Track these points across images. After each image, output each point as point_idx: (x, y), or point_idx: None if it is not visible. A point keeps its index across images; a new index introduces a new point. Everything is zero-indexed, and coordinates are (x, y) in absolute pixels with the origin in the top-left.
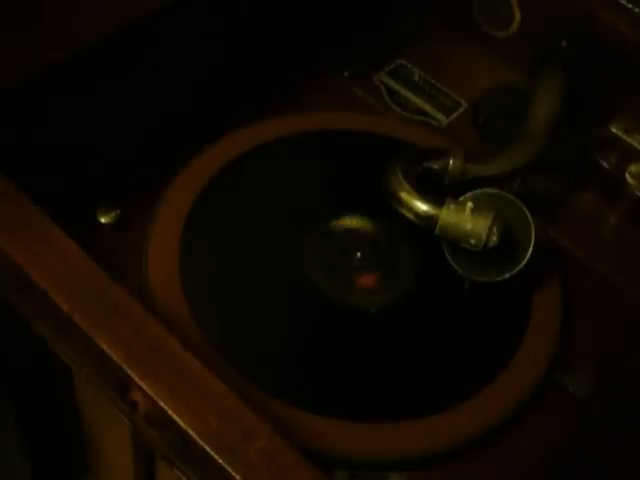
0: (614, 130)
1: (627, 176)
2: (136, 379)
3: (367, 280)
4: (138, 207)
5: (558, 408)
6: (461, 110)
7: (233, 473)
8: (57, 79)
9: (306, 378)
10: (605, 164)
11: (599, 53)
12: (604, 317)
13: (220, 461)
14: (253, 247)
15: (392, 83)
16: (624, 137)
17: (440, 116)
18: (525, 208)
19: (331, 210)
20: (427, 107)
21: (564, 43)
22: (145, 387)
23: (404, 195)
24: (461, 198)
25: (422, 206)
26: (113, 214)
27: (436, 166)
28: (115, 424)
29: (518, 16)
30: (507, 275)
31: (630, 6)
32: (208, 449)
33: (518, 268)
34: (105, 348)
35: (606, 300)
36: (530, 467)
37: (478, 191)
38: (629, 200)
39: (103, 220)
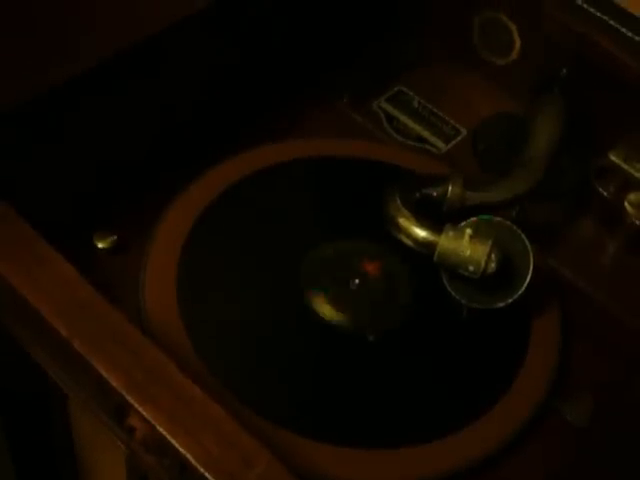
0: (613, 159)
1: (626, 205)
2: (135, 404)
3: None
4: (135, 232)
5: (556, 436)
6: (460, 138)
7: None
8: (55, 101)
9: (303, 404)
10: (604, 193)
11: (598, 81)
12: (603, 346)
13: None
14: (251, 272)
15: (391, 109)
16: (623, 166)
17: (439, 143)
18: (523, 235)
19: (330, 236)
20: (426, 134)
21: (564, 71)
22: (144, 412)
23: (403, 221)
24: (460, 225)
25: (421, 232)
26: (110, 239)
27: (435, 193)
28: (110, 449)
29: (518, 43)
30: (505, 303)
31: (630, 34)
32: (207, 475)
33: (516, 296)
34: (104, 373)
35: (605, 329)
36: None
37: (477, 218)
38: (628, 229)
39: (100, 245)
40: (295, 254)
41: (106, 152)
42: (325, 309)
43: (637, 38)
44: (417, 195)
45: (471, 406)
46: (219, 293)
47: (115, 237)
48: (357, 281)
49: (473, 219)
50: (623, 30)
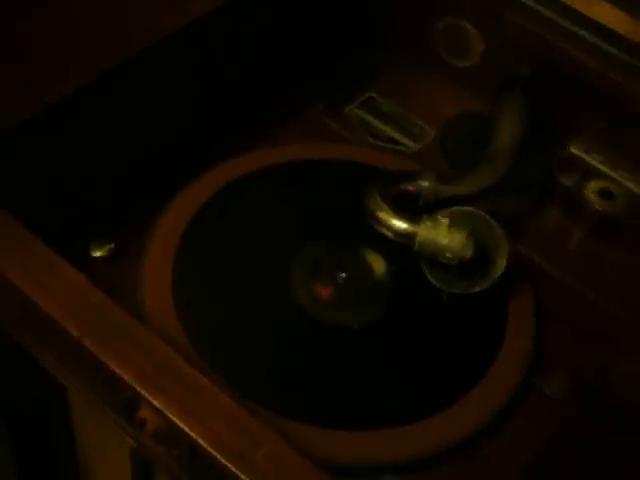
0: (574, 151)
1: (588, 193)
2: (147, 396)
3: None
4: (131, 240)
5: (536, 410)
6: (429, 137)
7: (241, 476)
8: (52, 116)
9: (293, 391)
10: (567, 183)
11: (557, 78)
12: (573, 324)
13: (230, 466)
14: (243, 272)
15: (363, 114)
16: (583, 157)
17: (410, 144)
18: (496, 223)
19: (315, 234)
20: (397, 135)
21: (524, 70)
22: (156, 403)
23: (382, 215)
24: (437, 215)
25: (400, 224)
26: (106, 248)
27: (410, 188)
28: (113, 446)
29: (479, 47)
30: (482, 287)
31: (587, 36)
32: (218, 456)
33: (492, 280)
34: (116, 369)
35: (574, 309)
36: (515, 465)
37: (453, 208)
38: (591, 215)
39: (97, 254)
40: (282, 253)
41: (98, 165)
42: (312, 303)
43: (592, 39)
44: (394, 191)
45: (454, 387)
46: (214, 293)
47: (112, 245)
48: (342, 275)
49: (449, 210)
50: (579, 32)
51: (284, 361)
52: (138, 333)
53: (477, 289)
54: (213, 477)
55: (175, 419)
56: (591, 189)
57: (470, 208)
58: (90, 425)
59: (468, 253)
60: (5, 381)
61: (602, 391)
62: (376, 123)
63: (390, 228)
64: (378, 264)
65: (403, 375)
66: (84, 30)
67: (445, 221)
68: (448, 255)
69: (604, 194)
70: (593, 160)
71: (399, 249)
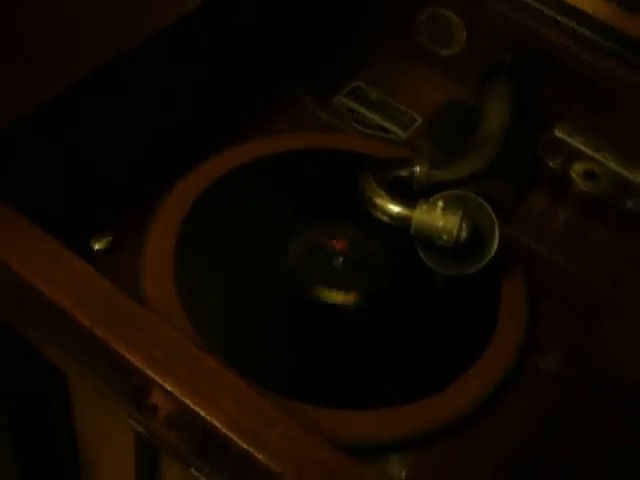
0: (558, 134)
1: (573, 175)
2: (159, 381)
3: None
4: (130, 232)
5: (532, 385)
6: (417, 125)
7: (257, 455)
8: (52, 111)
9: (294, 372)
10: (552, 165)
11: (540, 64)
12: (561, 301)
13: (245, 446)
14: (242, 259)
15: (351, 103)
16: (568, 139)
17: (398, 131)
18: (488, 205)
19: (310, 220)
20: (385, 123)
21: (509, 57)
22: (168, 387)
23: (379, 200)
24: (432, 199)
25: (396, 208)
26: (106, 240)
27: (404, 173)
28: (116, 440)
29: (462, 35)
30: (476, 268)
31: (567, 22)
32: (232, 437)
33: (485, 261)
34: (127, 355)
35: (562, 286)
36: (511, 441)
37: (446, 192)
38: (576, 196)
39: (97, 247)
40: (280, 239)
41: (96, 158)
42: (312, 286)
43: (572, 24)
44: (389, 177)
45: (451, 367)
46: (214, 280)
47: (111, 238)
48: (340, 259)
49: (443, 193)
50: (560, 18)
51: (284, 343)
52: (146, 320)
53: (472, 270)
54: (226, 459)
55: (188, 402)
56: (575, 171)
57: (462, 191)
58: (92, 414)
59: (463, 234)
60: (5, 373)
61: (593, 368)
62: (364, 112)
63: (387, 213)
64: (374, 248)
65: (401, 356)
66: (77, 28)
67: (440, 204)
68: (444, 237)
69: (588, 175)
70: (577, 142)
71: (394, 234)
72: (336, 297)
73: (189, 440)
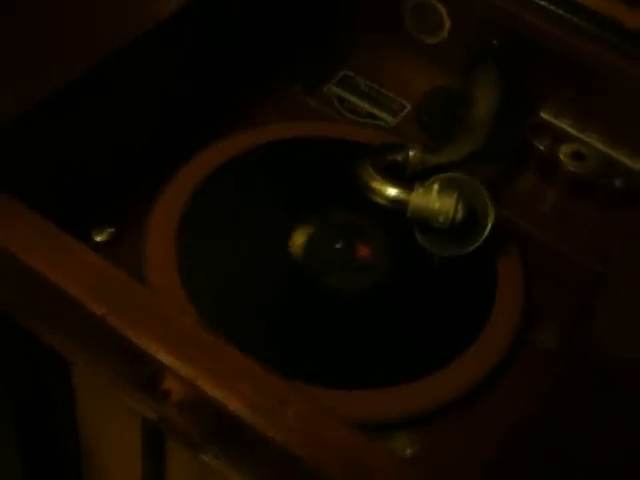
0: (544, 116)
1: (560, 156)
2: (173, 366)
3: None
4: (130, 223)
5: (530, 363)
6: (406, 111)
7: (273, 435)
8: (53, 105)
9: (296, 354)
10: (540, 147)
11: (526, 49)
12: (553, 279)
13: (260, 425)
14: (243, 246)
15: (341, 92)
16: (554, 121)
17: (388, 118)
18: (482, 186)
19: (309, 206)
20: (375, 111)
21: (496, 43)
22: (182, 371)
23: (376, 184)
24: (427, 182)
25: (393, 192)
26: (107, 232)
27: (399, 158)
28: (120, 430)
29: (447, 23)
30: (472, 247)
31: (550, 7)
32: (247, 417)
33: (481, 240)
34: (141, 343)
35: (553, 265)
36: (511, 417)
37: (442, 175)
38: (564, 176)
39: (98, 239)
40: (279, 226)
41: (94, 153)
42: (313, 270)
43: (553, 9)
44: (384, 162)
45: (451, 347)
46: (217, 268)
47: (112, 229)
48: (340, 244)
49: (438, 176)
50: (543, 3)
51: (287, 328)
52: (159, 307)
53: (468, 250)
54: (239, 442)
55: (203, 385)
56: (563, 152)
57: (456, 173)
58: (94, 404)
59: (458, 216)
60: (8, 364)
61: (587, 347)
62: (354, 100)
63: (384, 196)
64: (371, 233)
65: (401, 337)
66: (67, 27)
67: (435, 187)
68: (440, 219)
69: (576, 156)
70: (563, 124)
71: (390, 218)
72: (336, 281)
73: (202, 424)
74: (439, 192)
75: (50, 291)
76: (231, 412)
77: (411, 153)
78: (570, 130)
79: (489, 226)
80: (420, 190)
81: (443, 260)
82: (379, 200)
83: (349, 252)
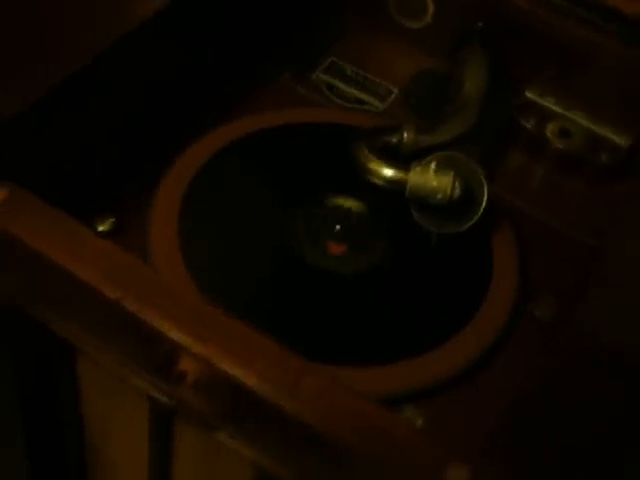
0: (530, 96)
1: (547, 133)
2: (188, 345)
3: (338, 248)
4: (131, 212)
5: (528, 337)
6: (393, 95)
7: (292, 409)
8: (53, 100)
9: (298, 334)
10: (527, 126)
11: (510, 30)
12: (548, 254)
13: (277, 400)
14: (244, 230)
15: (329, 79)
16: (539, 100)
17: (376, 103)
18: (477, 164)
19: (306, 190)
20: (363, 96)
21: (480, 24)
22: (198, 350)
23: (373, 165)
24: (424, 161)
25: (391, 172)
26: (109, 222)
27: (394, 139)
28: (126, 418)
29: (431, 7)
30: (469, 223)
31: None
32: (264, 393)
33: (478, 215)
34: (156, 324)
35: (546, 239)
36: (512, 389)
37: (438, 154)
38: (552, 153)
39: (101, 229)
40: (279, 210)
41: (93, 144)
42: (312, 253)
43: None
44: (379, 143)
45: (452, 322)
46: (221, 252)
47: (113, 219)
48: (337, 227)
49: (434, 155)
50: None
51: (288, 308)
52: (170, 288)
53: (465, 226)
54: (257, 417)
55: (219, 362)
56: (550, 130)
57: (452, 152)
58: (101, 394)
59: (456, 192)
60: (15, 359)
61: (575, 326)
62: (342, 86)
63: (381, 177)
64: (368, 215)
65: (402, 315)
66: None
67: (432, 165)
68: (438, 196)
69: (562, 133)
70: (548, 103)
71: (386, 200)
72: (335, 263)
73: (218, 404)
74: (436, 170)
75: (62, 278)
76: (248, 389)
77: (405, 134)
78: (555, 108)
79: (484, 202)
80: (417, 169)
81: (440, 239)
82: (376, 181)
83: (347, 234)
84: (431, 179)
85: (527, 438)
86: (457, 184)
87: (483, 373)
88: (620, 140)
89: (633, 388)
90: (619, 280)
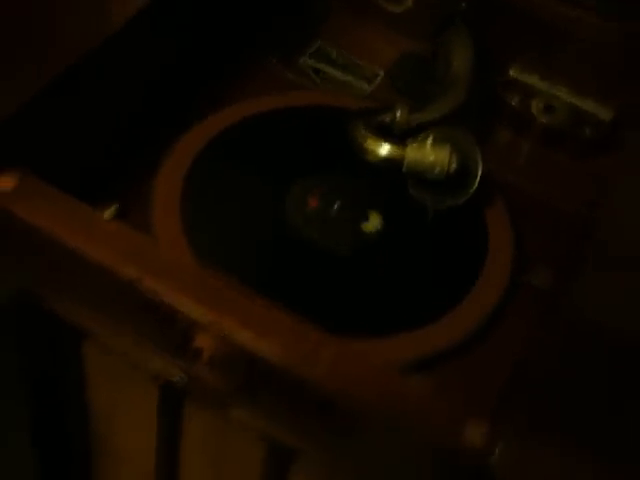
0: (513, 74)
1: (532, 110)
2: (205, 321)
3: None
4: (134, 197)
5: (527, 303)
6: (379, 78)
7: (312, 378)
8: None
9: (300, 309)
10: (512, 103)
11: (493, 9)
12: (539, 226)
13: (294, 371)
14: (245, 211)
15: (315, 63)
16: (523, 78)
17: (364, 85)
18: (471, 136)
19: (303, 171)
20: (350, 79)
21: (463, 5)
22: (216, 325)
23: (370, 144)
24: (419, 137)
25: (388, 149)
26: (113, 208)
27: (387, 119)
28: (133, 412)
29: None
30: (465, 197)
31: None
32: (280, 363)
33: (472, 190)
34: (175, 303)
35: (536, 212)
36: (512, 357)
37: (433, 129)
38: (537, 128)
39: (104, 215)
40: (278, 192)
41: (92, 132)
42: (309, 230)
43: None
44: (374, 122)
45: (452, 294)
46: (224, 233)
47: (117, 205)
48: (335, 205)
49: (430, 130)
50: None
51: (289, 285)
52: (185, 267)
53: (461, 200)
54: (272, 390)
55: (236, 338)
56: (534, 106)
57: (447, 127)
58: (109, 379)
59: (453, 166)
60: (26, 345)
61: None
62: (329, 70)
63: (379, 155)
64: (365, 193)
65: (401, 289)
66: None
67: (429, 141)
68: (436, 171)
69: (546, 109)
70: (531, 80)
71: (382, 178)
72: (334, 241)
73: (232, 379)
74: (432, 145)
75: (77, 262)
76: (265, 361)
77: (398, 113)
78: (539, 85)
79: (479, 175)
80: (414, 145)
81: (436, 214)
82: (374, 159)
83: (345, 212)
84: (428, 154)
85: (531, 402)
86: (454, 157)
87: (484, 343)
88: (603, 114)
89: (633, 360)
90: (617, 253)
